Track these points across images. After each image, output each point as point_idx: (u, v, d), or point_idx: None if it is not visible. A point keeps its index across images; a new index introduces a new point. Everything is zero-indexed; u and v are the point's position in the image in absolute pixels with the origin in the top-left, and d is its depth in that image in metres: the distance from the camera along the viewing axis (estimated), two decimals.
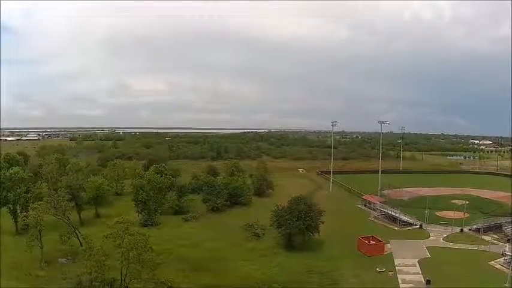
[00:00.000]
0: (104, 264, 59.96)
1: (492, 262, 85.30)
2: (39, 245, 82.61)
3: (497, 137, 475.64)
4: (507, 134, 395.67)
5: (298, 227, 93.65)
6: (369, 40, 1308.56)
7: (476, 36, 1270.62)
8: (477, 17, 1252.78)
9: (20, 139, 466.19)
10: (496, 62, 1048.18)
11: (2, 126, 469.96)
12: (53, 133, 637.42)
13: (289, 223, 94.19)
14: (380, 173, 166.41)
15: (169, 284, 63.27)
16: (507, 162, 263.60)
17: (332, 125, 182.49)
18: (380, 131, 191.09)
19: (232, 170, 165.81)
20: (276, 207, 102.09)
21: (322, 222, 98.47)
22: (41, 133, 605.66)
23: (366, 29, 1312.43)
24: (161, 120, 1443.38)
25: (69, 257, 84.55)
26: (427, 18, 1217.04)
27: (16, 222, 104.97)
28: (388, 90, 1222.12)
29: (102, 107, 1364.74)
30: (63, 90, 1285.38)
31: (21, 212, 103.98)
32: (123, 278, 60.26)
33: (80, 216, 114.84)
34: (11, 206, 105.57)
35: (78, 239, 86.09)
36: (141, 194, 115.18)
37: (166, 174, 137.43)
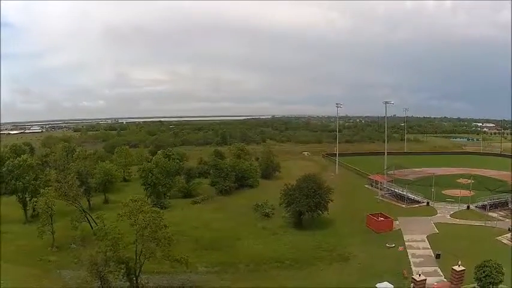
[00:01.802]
0: (118, 244, 60.26)
1: (499, 237, 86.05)
2: (50, 230, 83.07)
3: (500, 120, 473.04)
4: (509, 117, 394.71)
5: (308, 205, 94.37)
6: (371, 27, 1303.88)
7: (477, 21, 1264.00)
8: (478, 3, 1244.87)
9: (23, 132, 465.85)
10: (498, 47, 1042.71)
11: (5, 121, 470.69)
12: (56, 125, 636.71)
13: (299, 201, 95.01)
14: (386, 154, 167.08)
15: (184, 261, 63.50)
16: (510, 144, 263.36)
17: (337, 107, 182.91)
18: (383, 114, 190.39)
19: (239, 153, 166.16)
20: (285, 186, 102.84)
21: (331, 200, 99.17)
22: (44, 126, 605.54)
23: (368, 16, 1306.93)
24: (163, 109, 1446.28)
25: (80, 242, 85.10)
26: (428, 5, 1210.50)
27: (25, 210, 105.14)
28: (390, 76, 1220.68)
29: (104, 98, 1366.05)
30: (64, 83, 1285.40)
31: (30, 200, 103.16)
32: (137, 257, 60.71)
33: (89, 202, 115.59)
34: (20, 194, 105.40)
35: (89, 224, 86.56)
36: (151, 177, 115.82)
37: (173, 159, 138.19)
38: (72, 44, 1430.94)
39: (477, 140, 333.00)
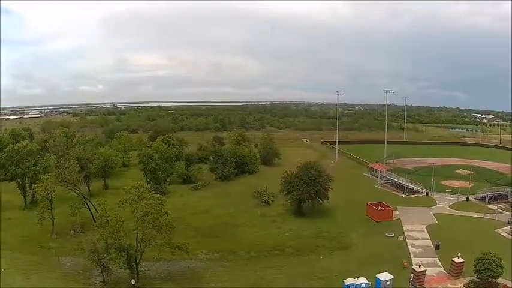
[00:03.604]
0: (119, 231, 60.14)
1: (498, 230, 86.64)
2: (50, 217, 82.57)
3: (499, 111, 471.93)
4: (509, 109, 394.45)
5: (308, 193, 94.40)
6: (372, 15, 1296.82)
7: (478, 11, 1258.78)
8: None
9: (22, 117, 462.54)
10: (498, 38, 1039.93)
11: (4, 106, 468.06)
12: (55, 110, 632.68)
13: (299, 189, 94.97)
14: (386, 143, 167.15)
15: (185, 248, 63.55)
16: (509, 136, 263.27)
17: (337, 94, 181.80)
18: (383, 102, 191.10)
19: (238, 139, 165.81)
20: (285, 174, 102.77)
21: (331, 189, 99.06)
22: (43, 111, 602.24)
23: (369, 3, 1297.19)
24: (162, 94, 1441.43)
25: (79, 229, 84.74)
26: None
27: (25, 196, 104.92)
28: (390, 64, 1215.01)
29: (103, 83, 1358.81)
30: (63, 68, 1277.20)
31: (29, 186, 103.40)
32: (138, 244, 60.69)
33: (88, 188, 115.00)
34: (19, 180, 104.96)
35: (90, 210, 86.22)
36: (150, 163, 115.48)
37: (173, 144, 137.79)
38: (71, 29, 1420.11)
39: (476, 131, 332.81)
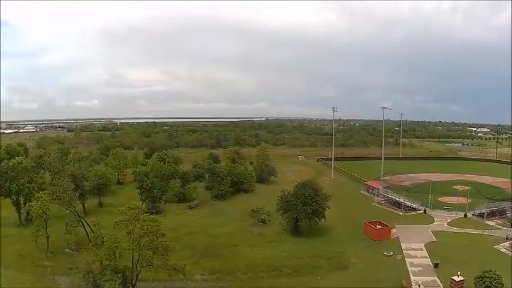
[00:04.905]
0: (115, 252, 59.28)
1: (497, 246, 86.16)
2: (45, 235, 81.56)
3: (495, 124, 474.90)
4: (504, 122, 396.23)
5: (305, 212, 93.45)
6: (367, 28, 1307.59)
7: (474, 24, 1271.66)
8: (476, 5, 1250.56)
9: (17, 131, 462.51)
10: (494, 50, 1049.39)
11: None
12: (50, 125, 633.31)
13: (296, 208, 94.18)
14: (383, 159, 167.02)
15: (181, 270, 62.63)
16: (505, 150, 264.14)
17: (333, 111, 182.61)
18: (377, 117, 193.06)
19: (234, 156, 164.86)
20: (282, 193, 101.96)
21: (328, 207, 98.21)
22: (38, 125, 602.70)
23: (364, 16, 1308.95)
24: (158, 110, 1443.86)
25: (74, 247, 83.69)
26: (425, 6, 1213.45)
27: (19, 213, 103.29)
28: (384, 78, 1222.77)
29: (98, 98, 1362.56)
30: (59, 82, 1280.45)
31: (24, 203, 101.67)
32: (134, 266, 59.79)
33: (83, 206, 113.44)
34: (14, 197, 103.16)
35: (84, 229, 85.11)
36: (146, 181, 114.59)
37: (168, 162, 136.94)
38: (66, 43, 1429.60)
39: (472, 145, 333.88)
